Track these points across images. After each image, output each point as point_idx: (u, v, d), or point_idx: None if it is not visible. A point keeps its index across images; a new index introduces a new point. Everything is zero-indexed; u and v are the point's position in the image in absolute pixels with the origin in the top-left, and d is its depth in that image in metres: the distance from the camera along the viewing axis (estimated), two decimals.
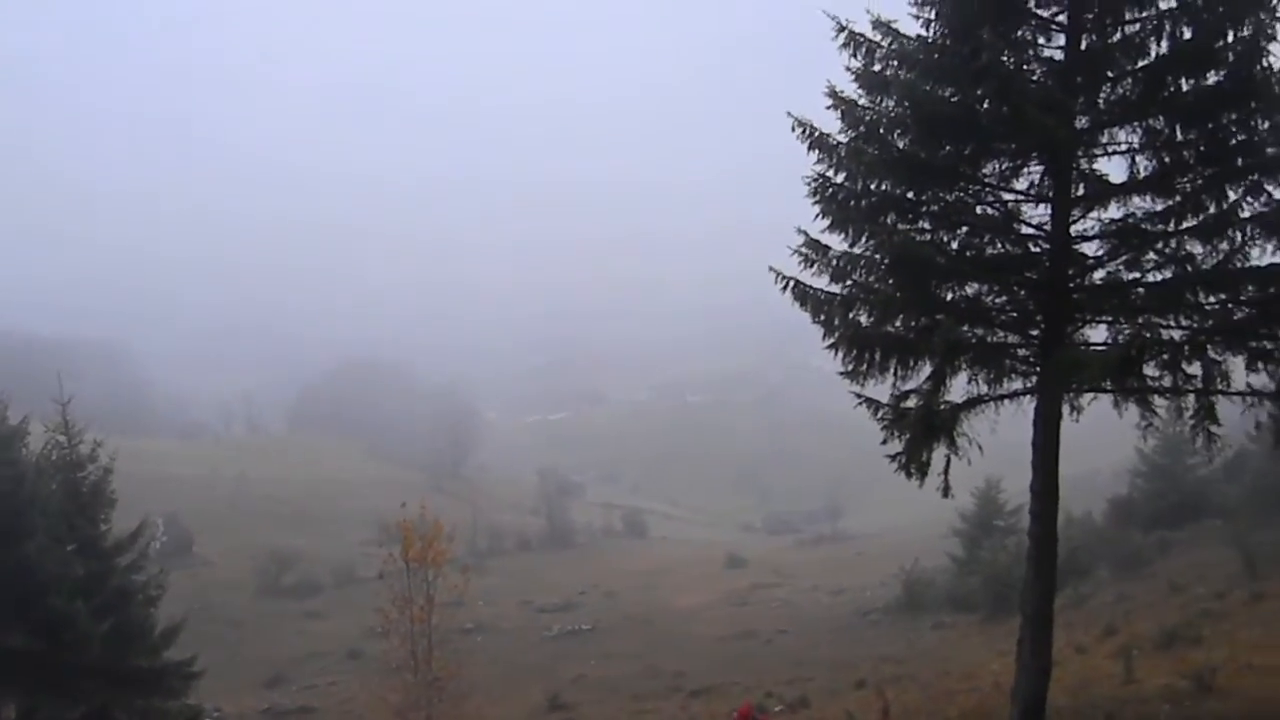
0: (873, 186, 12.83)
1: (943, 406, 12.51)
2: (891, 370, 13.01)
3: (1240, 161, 11.83)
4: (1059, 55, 12.48)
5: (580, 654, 43.59)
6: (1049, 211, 12.68)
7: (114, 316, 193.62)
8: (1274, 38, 11.34)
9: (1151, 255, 12.46)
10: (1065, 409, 12.89)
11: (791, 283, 13.30)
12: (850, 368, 13.14)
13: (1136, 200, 12.44)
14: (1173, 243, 12.28)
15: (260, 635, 49.60)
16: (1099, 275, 12.93)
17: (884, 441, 12.99)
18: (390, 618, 22.06)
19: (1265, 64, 11.42)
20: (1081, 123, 12.36)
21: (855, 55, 12.78)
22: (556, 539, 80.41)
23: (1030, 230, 12.93)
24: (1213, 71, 11.70)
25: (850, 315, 13.14)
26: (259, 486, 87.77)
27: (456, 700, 22.78)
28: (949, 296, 13.14)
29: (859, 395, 13.34)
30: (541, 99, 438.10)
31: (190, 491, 78.86)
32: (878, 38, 12.74)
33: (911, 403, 12.74)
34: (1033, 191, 12.88)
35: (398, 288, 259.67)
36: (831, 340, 13.19)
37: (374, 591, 23.40)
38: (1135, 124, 12.31)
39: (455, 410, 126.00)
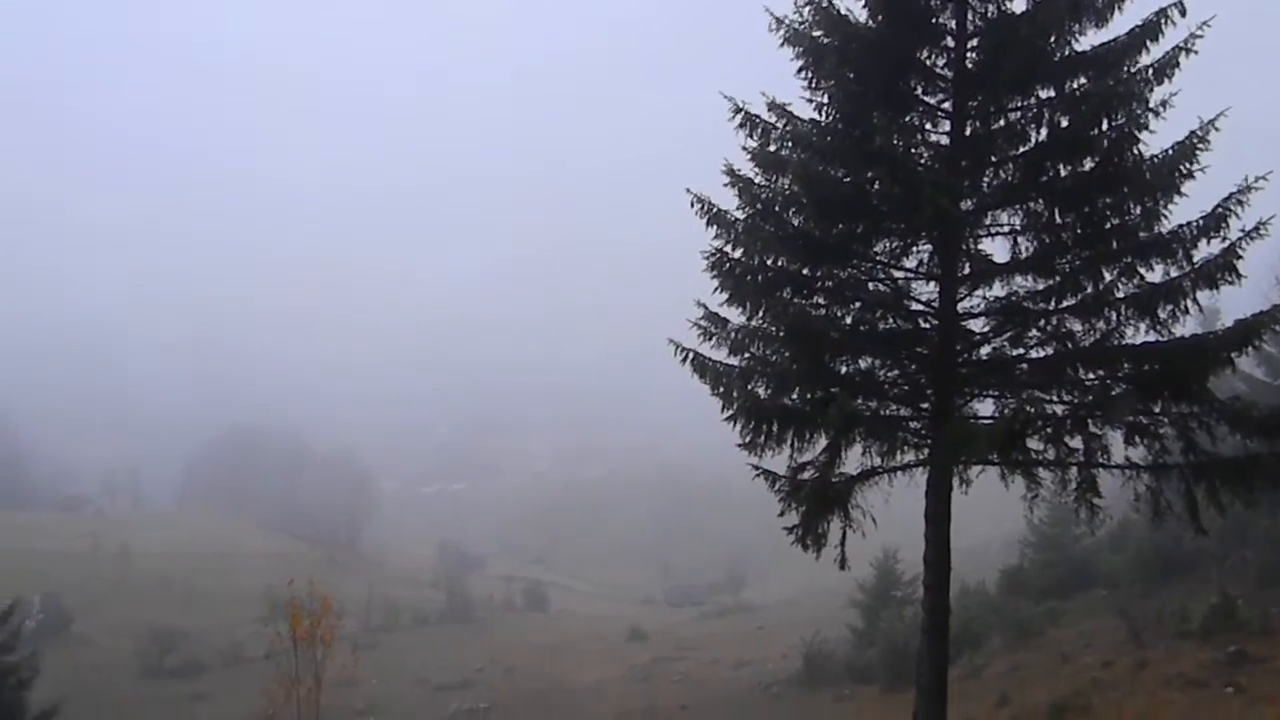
0: (769, 262, 13.06)
1: (837, 478, 12.65)
2: (789, 442, 13.07)
3: (1114, 244, 12.33)
4: (945, 140, 12.99)
5: None
6: (937, 289, 13.07)
7: None
8: (1145, 126, 11.93)
9: (1034, 332, 12.89)
10: (955, 480, 13.16)
11: (691, 355, 13.44)
12: (749, 439, 13.17)
13: (1019, 279, 12.89)
14: (1053, 321, 12.72)
15: (142, 718, 47.01)
16: (985, 351, 13.32)
17: (781, 514, 13.07)
18: (277, 699, 21.11)
19: (1137, 151, 12.02)
20: (967, 205, 12.81)
21: (751, 135, 13.12)
22: (455, 613, 78.47)
23: (919, 307, 13.29)
24: (1088, 158, 12.24)
25: (749, 387, 13.25)
26: (143, 562, 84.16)
27: None
28: (843, 370, 13.41)
29: (757, 467, 13.39)
30: (435, 179, 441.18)
31: (70, 568, 75.12)
32: (773, 119, 13.10)
33: (808, 475, 12.87)
34: (921, 270, 13.27)
35: (294, 361, 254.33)
36: (730, 412, 13.26)
37: (262, 672, 22.41)
38: (1017, 206, 12.83)
39: (351, 480, 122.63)
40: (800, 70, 12.84)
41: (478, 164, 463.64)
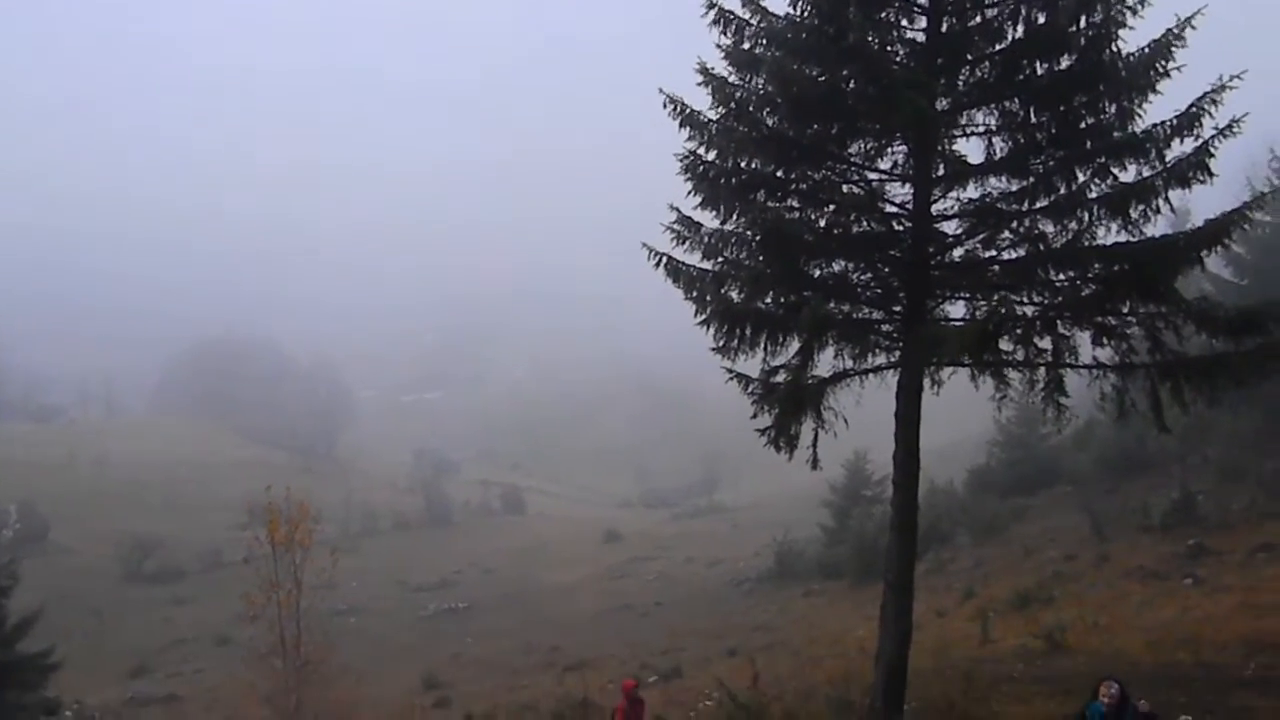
0: (743, 164, 12.90)
1: (810, 381, 12.75)
2: (762, 346, 13.13)
3: (1089, 144, 12.27)
4: (921, 38, 12.76)
5: (457, 632, 43.32)
6: (911, 191, 12.99)
7: None
8: (1123, 23, 11.74)
9: (1006, 234, 12.88)
10: (926, 382, 13.29)
11: (664, 259, 13.36)
12: (722, 343, 13.21)
13: (993, 181, 12.84)
14: (1026, 222, 12.70)
15: (123, 624, 47.68)
16: (957, 253, 13.31)
17: (754, 416, 13.19)
18: (257, 602, 21.37)
19: (1114, 49, 11.87)
20: (942, 104, 12.65)
21: (725, 32, 12.86)
22: (433, 518, 79.44)
23: (893, 209, 13.21)
24: (1065, 55, 12.06)
25: (722, 291, 13.20)
26: (119, 470, 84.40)
27: (327, 683, 22.28)
28: (817, 273, 13.39)
29: (730, 371, 13.46)
30: (416, 80, 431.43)
31: (46, 477, 75.32)
32: (747, 15, 12.82)
33: (780, 378, 12.95)
34: (896, 171, 13.17)
35: (271, 269, 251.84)
36: (704, 316, 13.26)
37: (241, 576, 22.67)
38: (992, 106, 12.68)
39: (327, 388, 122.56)
40: None
41: (451, 61, 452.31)
